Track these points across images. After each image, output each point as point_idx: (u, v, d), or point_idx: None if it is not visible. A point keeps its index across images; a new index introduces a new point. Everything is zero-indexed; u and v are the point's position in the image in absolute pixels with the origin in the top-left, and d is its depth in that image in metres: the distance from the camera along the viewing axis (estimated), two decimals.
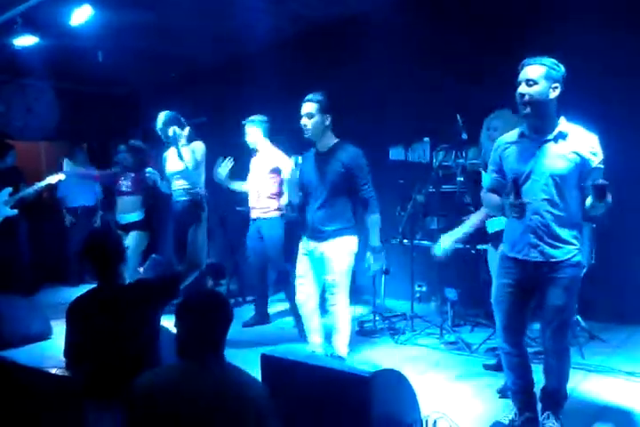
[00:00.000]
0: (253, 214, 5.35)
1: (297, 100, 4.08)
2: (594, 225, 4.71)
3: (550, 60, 2.86)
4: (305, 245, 4.11)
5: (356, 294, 6.26)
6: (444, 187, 5.10)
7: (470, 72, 3.05)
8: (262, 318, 5.61)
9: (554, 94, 2.84)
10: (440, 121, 4.29)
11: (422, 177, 4.83)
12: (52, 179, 6.38)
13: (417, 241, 5.09)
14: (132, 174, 6.01)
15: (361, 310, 5.66)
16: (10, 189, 6.34)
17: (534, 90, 2.82)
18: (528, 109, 2.85)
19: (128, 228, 5.90)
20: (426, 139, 5.26)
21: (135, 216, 5.98)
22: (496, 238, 3.77)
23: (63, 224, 7.45)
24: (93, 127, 8.13)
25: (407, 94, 5.80)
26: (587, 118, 3.04)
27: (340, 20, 6.15)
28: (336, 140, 4.04)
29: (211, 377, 2.12)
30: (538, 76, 2.82)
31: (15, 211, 6.26)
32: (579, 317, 4.69)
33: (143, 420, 2.06)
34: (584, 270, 4.63)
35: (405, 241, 5.04)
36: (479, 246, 4.58)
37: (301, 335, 4.63)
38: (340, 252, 3.95)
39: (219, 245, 6.85)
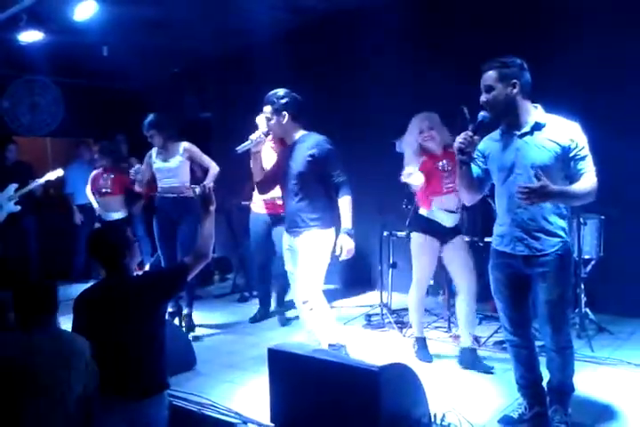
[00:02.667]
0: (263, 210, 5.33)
1: (301, 91, 4.07)
2: (602, 217, 4.69)
3: (502, 61, 2.90)
4: (285, 239, 4.10)
5: (363, 288, 6.31)
6: None
7: (473, 67, 3.03)
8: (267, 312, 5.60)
9: (515, 90, 2.89)
10: (446, 113, 4.25)
11: None
12: (51, 175, 6.40)
13: None
14: (112, 175, 6.32)
15: (369, 303, 5.66)
16: (15, 185, 6.35)
17: (493, 95, 2.91)
18: (495, 113, 2.94)
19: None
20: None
21: (119, 215, 6.33)
22: None
23: (71, 220, 7.46)
24: (99, 123, 8.11)
25: (413, 86, 5.77)
26: (594, 111, 3.03)
27: (344, 13, 6.12)
28: (301, 133, 4.00)
29: (48, 337, 2.57)
30: (492, 81, 2.90)
31: (19, 207, 6.27)
32: (587, 309, 4.68)
33: None
34: (592, 263, 4.69)
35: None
36: (486, 239, 4.56)
37: None
38: (310, 245, 3.88)
39: (224, 239, 6.84)
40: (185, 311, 5.24)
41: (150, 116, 5.13)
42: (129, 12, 5.76)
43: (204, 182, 4.93)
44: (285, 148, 4.11)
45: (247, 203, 5.72)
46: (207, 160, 5.21)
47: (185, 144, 5.17)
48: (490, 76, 2.91)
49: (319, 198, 3.91)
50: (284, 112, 3.92)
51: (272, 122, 3.97)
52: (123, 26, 5.95)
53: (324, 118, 4.22)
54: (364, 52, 6.09)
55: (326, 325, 3.96)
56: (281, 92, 3.97)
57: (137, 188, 5.33)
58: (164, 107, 5.33)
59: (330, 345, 4.00)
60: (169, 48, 6.89)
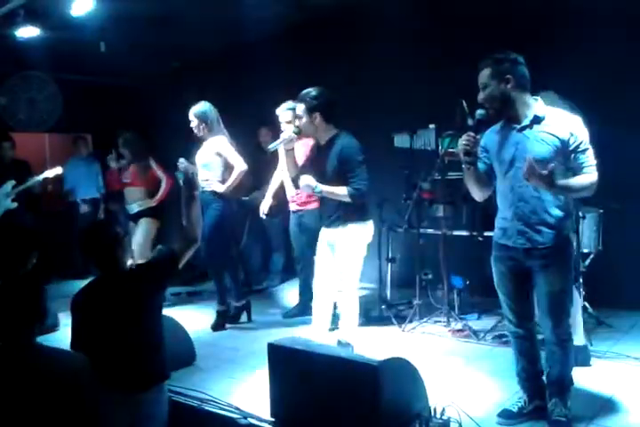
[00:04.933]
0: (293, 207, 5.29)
1: (301, 88, 4.07)
2: (601, 211, 4.69)
3: (494, 57, 2.92)
4: (323, 234, 4.17)
5: (361, 283, 6.30)
6: (449, 174, 5.06)
7: (476, 60, 3.04)
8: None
9: (509, 85, 2.90)
10: (445, 107, 4.25)
11: (428, 164, 4.80)
12: (50, 173, 6.38)
13: (423, 229, 5.07)
14: (130, 166, 6.26)
15: (367, 298, 5.66)
16: (13, 182, 6.34)
17: (488, 92, 2.93)
18: (493, 109, 2.96)
19: (135, 217, 6.18)
20: (431, 125, 5.21)
21: (136, 206, 6.21)
22: None
23: (69, 217, 7.45)
24: (97, 119, 8.09)
25: (412, 81, 5.76)
26: (595, 104, 3.03)
27: (343, 8, 6.10)
28: (334, 132, 4.05)
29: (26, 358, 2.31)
30: (486, 78, 2.93)
31: (15, 204, 6.26)
32: (586, 303, 4.68)
33: None
34: (591, 256, 4.68)
35: (411, 229, 5.02)
36: (486, 233, 4.56)
37: None
38: (348, 239, 3.99)
39: None
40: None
41: (199, 105, 5.09)
42: (127, 8, 5.72)
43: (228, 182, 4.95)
44: (319, 146, 4.12)
45: (247, 198, 5.72)
46: (235, 158, 5.09)
47: (217, 138, 5.11)
48: (483, 74, 2.94)
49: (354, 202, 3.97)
50: (316, 113, 3.96)
51: (303, 121, 4.01)
52: (120, 21, 5.91)
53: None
54: (366, 48, 6.07)
55: (351, 320, 4.09)
56: (314, 91, 3.99)
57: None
58: (164, 103, 5.29)
59: (338, 342, 4.08)
60: (168, 43, 6.86)
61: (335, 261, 4.07)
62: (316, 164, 4.11)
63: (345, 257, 4.02)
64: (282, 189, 5.34)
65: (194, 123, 5.10)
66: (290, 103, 5.13)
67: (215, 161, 5.08)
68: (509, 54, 2.92)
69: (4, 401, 2.22)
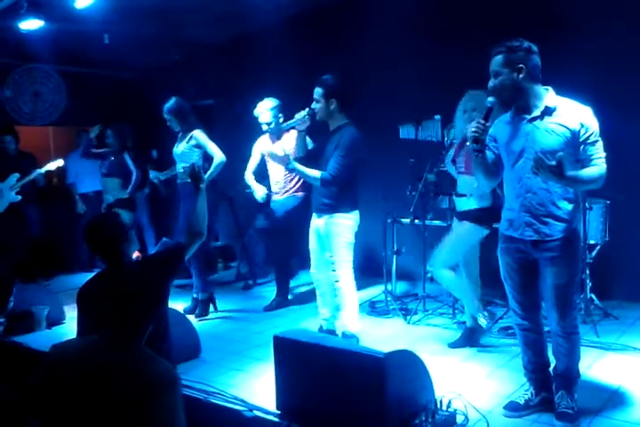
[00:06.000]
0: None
1: (304, 79, 4.07)
2: (608, 202, 4.67)
3: (508, 45, 2.87)
4: (312, 220, 4.31)
5: (367, 275, 6.30)
6: None
7: (481, 49, 3.01)
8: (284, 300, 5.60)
9: (521, 75, 2.86)
10: (451, 98, 4.22)
11: (433, 156, 4.77)
12: (52, 165, 6.39)
13: (428, 221, 5.05)
14: (112, 157, 6.65)
15: (372, 290, 5.66)
16: (17, 175, 6.34)
17: (499, 80, 2.89)
18: (503, 98, 2.94)
19: (109, 208, 6.46)
20: (437, 117, 5.17)
21: (110, 197, 6.59)
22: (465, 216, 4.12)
23: (75, 210, 7.45)
24: (101, 111, 8.07)
25: (417, 72, 5.73)
26: (603, 95, 3.00)
27: None
28: (344, 122, 4.15)
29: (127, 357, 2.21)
30: (499, 66, 2.89)
31: (19, 197, 6.27)
32: (593, 295, 4.66)
33: (52, 388, 2.14)
34: (597, 248, 4.66)
35: (417, 221, 5.00)
36: (494, 225, 4.53)
37: None
38: (335, 228, 4.10)
39: (228, 227, 6.83)
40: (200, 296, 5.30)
41: (170, 101, 5.18)
42: (130, 0, 5.70)
43: (208, 172, 4.94)
44: (329, 134, 4.21)
45: (251, 191, 5.70)
46: (212, 149, 5.14)
47: (195, 131, 5.17)
48: (496, 61, 2.89)
49: (344, 184, 4.07)
50: (333, 99, 4.05)
51: (319, 105, 4.08)
52: (124, 13, 5.88)
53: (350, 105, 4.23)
54: (367, 39, 6.03)
55: (350, 310, 4.16)
56: (335, 77, 4.08)
57: None
58: (166, 94, 5.28)
59: (343, 334, 4.12)
60: (170, 35, 6.84)
61: (326, 250, 4.19)
62: (321, 145, 4.24)
63: (334, 247, 4.12)
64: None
65: (170, 119, 5.19)
66: (269, 103, 5.17)
67: (194, 153, 5.17)
68: (523, 42, 2.87)
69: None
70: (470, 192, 4.08)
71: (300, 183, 5.31)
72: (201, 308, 5.28)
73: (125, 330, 2.43)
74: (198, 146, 5.15)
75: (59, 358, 2.25)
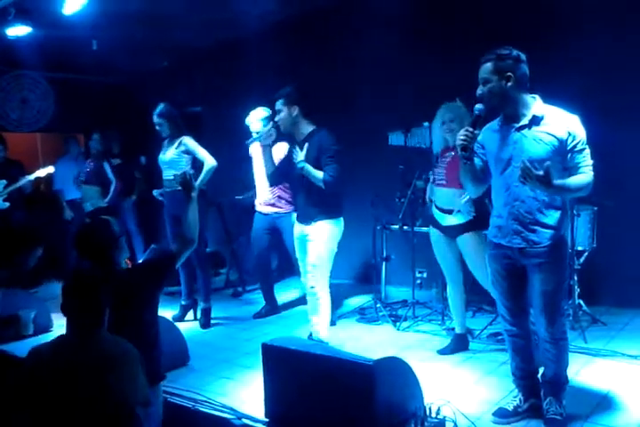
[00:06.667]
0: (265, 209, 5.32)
1: (291, 84, 4.08)
2: (595, 208, 4.69)
3: (498, 53, 2.89)
4: (296, 228, 4.34)
5: (356, 282, 6.31)
6: None
7: (469, 57, 3.03)
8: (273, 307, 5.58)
9: (509, 83, 2.88)
10: (439, 106, 4.23)
11: (422, 162, 4.78)
12: (41, 172, 6.35)
13: (417, 227, 5.06)
14: (91, 164, 6.57)
15: (362, 296, 5.66)
16: (4, 182, 6.30)
17: (488, 88, 2.91)
18: (491, 105, 2.94)
19: (91, 216, 6.27)
20: (425, 123, 5.18)
21: (89, 205, 6.48)
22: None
23: (62, 217, 7.41)
24: (89, 117, 8.05)
25: (406, 79, 5.74)
26: (591, 103, 3.02)
27: (336, 3, 6.06)
28: (313, 128, 4.17)
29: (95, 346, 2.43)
30: (487, 73, 2.90)
31: (7, 204, 6.23)
32: (581, 301, 4.68)
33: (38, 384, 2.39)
34: (585, 254, 4.68)
35: (406, 227, 5.01)
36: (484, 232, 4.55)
37: None
38: (319, 236, 4.11)
39: (217, 234, 6.81)
40: (203, 306, 5.27)
41: (160, 106, 5.14)
42: (118, 5, 5.68)
43: (200, 178, 4.93)
44: (297, 142, 4.18)
45: (240, 197, 5.70)
46: (203, 155, 5.10)
47: (184, 137, 5.14)
48: (485, 68, 2.91)
49: (326, 191, 4.06)
50: (295, 106, 4.07)
51: (282, 114, 4.10)
52: (112, 19, 5.88)
53: (314, 111, 4.23)
54: (355, 44, 6.05)
55: (323, 316, 4.19)
56: (291, 86, 4.12)
57: None
58: (155, 100, 5.26)
59: (310, 339, 4.17)
60: (159, 41, 6.83)
61: (307, 257, 4.19)
62: (292, 155, 4.18)
63: (315, 253, 4.12)
64: None
65: (161, 123, 5.14)
66: (261, 112, 5.16)
67: (183, 159, 5.13)
68: (512, 51, 2.89)
69: None
70: (457, 208, 4.05)
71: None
72: (206, 317, 5.24)
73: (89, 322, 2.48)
74: (187, 152, 5.11)
75: (35, 360, 2.45)
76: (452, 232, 4.14)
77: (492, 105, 2.95)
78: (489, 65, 2.89)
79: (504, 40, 2.98)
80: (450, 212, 4.09)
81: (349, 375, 2.89)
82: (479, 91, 2.95)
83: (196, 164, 5.15)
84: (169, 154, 5.16)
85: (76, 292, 2.48)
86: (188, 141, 5.12)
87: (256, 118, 5.17)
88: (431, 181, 4.25)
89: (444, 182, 4.10)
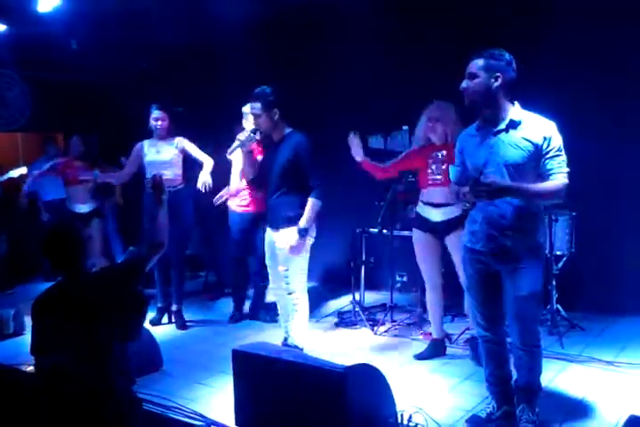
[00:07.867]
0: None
1: (272, 85, 4.03)
2: (574, 213, 4.68)
3: (491, 52, 2.86)
4: (267, 235, 4.22)
5: (335, 285, 6.26)
6: None
7: (449, 61, 3.01)
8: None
9: (497, 83, 2.85)
10: (418, 110, 4.20)
11: None
12: (14, 173, 6.26)
13: (396, 231, 5.03)
14: (80, 164, 6.22)
15: (340, 300, 5.62)
16: None
17: (475, 83, 2.86)
18: (471, 101, 2.90)
19: (85, 217, 6.02)
20: (405, 127, 5.18)
21: (86, 207, 6.15)
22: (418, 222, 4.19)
23: (38, 218, 7.30)
24: (70, 117, 7.95)
25: (386, 82, 5.70)
26: (567, 110, 2.99)
27: (317, 6, 6.02)
28: (288, 130, 4.10)
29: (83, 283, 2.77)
30: (477, 68, 2.86)
31: None
32: (559, 306, 4.67)
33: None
34: (563, 260, 4.67)
35: (385, 231, 4.97)
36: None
37: None
38: (287, 242, 3.98)
39: (196, 237, 6.74)
40: (174, 308, 5.25)
41: (156, 105, 5.10)
42: (96, 4, 5.62)
43: (201, 176, 4.95)
44: (273, 145, 4.13)
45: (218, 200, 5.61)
46: (201, 154, 5.12)
47: (179, 138, 5.14)
48: (475, 63, 2.87)
49: (299, 196, 3.98)
50: (275, 109, 3.99)
51: (262, 118, 4.01)
52: (89, 18, 5.81)
53: (294, 112, 4.18)
54: (337, 45, 5.99)
55: (299, 322, 4.09)
56: (269, 88, 4.01)
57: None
58: (134, 102, 5.21)
59: (286, 344, 4.12)
60: (139, 41, 6.75)
61: (279, 264, 4.09)
62: (267, 158, 4.16)
63: (288, 259, 4.01)
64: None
65: (163, 118, 5.08)
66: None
67: (178, 160, 5.12)
68: (505, 54, 2.87)
69: None
70: (452, 202, 3.99)
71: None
72: (180, 318, 5.23)
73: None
74: (183, 151, 5.11)
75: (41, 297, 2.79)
76: (441, 229, 4.09)
77: (473, 102, 2.90)
78: (481, 60, 2.85)
79: (483, 45, 2.94)
80: (445, 205, 4.05)
81: (320, 383, 2.85)
82: (464, 84, 2.90)
83: (186, 164, 5.16)
84: (168, 154, 5.12)
85: (54, 244, 2.77)
86: (185, 142, 5.13)
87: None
88: (429, 181, 4.14)
89: (440, 181, 4.04)
